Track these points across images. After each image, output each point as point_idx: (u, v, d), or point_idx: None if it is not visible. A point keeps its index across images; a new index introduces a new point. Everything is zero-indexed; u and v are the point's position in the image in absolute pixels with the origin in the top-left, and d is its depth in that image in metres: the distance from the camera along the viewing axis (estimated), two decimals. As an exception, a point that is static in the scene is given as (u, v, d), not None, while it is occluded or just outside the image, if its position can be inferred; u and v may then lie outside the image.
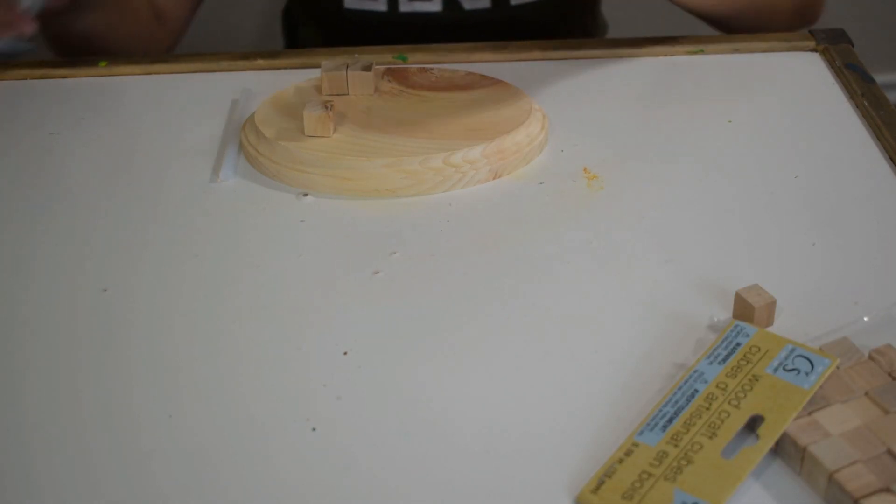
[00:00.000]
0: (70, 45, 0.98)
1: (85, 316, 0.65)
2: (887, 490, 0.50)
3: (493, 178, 0.77)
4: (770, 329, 0.62)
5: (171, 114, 0.87)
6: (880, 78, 0.90)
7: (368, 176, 0.75)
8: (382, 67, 0.86)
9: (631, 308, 0.64)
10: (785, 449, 0.54)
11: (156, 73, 0.93)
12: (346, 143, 0.77)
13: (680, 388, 0.56)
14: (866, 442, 0.53)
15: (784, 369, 0.57)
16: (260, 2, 1.71)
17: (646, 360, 0.60)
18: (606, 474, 0.52)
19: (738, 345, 0.59)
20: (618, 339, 0.62)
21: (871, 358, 0.58)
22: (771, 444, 0.53)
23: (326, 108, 0.77)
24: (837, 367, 0.57)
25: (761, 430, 0.54)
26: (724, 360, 0.58)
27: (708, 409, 0.55)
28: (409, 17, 1.04)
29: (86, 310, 0.66)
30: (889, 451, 0.52)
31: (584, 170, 0.78)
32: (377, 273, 0.68)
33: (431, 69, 0.86)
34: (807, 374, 0.56)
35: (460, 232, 0.72)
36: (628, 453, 0.53)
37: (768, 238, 0.70)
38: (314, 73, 0.86)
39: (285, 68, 0.93)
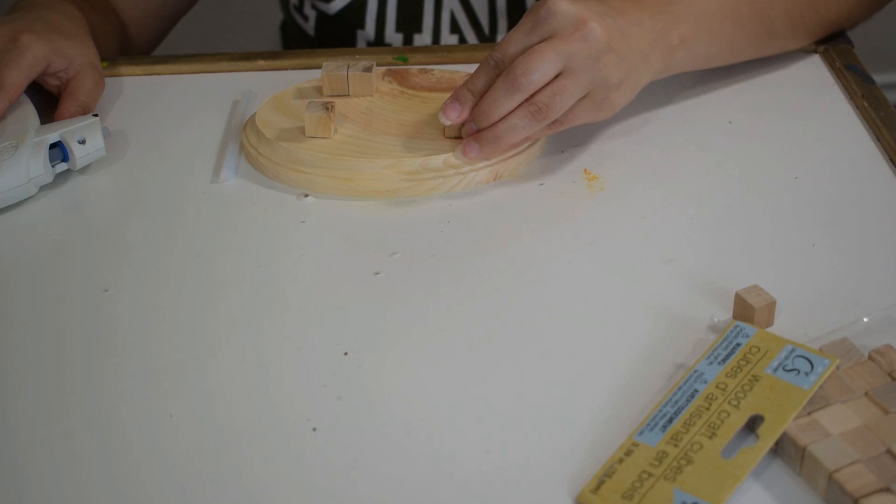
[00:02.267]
0: None
1: (85, 316, 0.65)
2: (887, 490, 0.50)
3: (494, 179, 0.77)
4: (770, 329, 0.62)
5: (172, 114, 0.87)
6: (880, 78, 0.90)
7: (369, 177, 0.75)
8: (383, 68, 0.86)
9: (631, 308, 0.64)
10: (785, 449, 0.54)
11: (156, 74, 0.93)
12: (346, 143, 0.77)
13: (680, 389, 0.56)
14: (866, 442, 0.53)
15: (784, 369, 0.57)
16: (259, 3, 1.71)
17: (646, 361, 0.60)
18: (607, 474, 0.52)
19: (738, 345, 0.59)
20: (618, 340, 0.62)
21: (870, 358, 0.58)
22: (771, 444, 0.53)
23: (327, 108, 0.77)
24: (837, 368, 0.57)
25: (761, 430, 0.54)
26: (724, 361, 0.58)
27: (708, 409, 0.55)
28: (396, 44, 1.04)
29: (86, 309, 0.66)
30: (889, 451, 0.52)
31: (585, 171, 0.78)
32: (378, 273, 0.68)
33: (432, 70, 0.86)
34: (806, 374, 0.56)
35: (461, 232, 0.72)
36: (628, 453, 0.53)
37: (768, 238, 0.70)
38: (315, 74, 0.86)
39: (286, 69, 0.93)
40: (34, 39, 0.81)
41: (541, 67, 0.71)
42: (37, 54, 0.81)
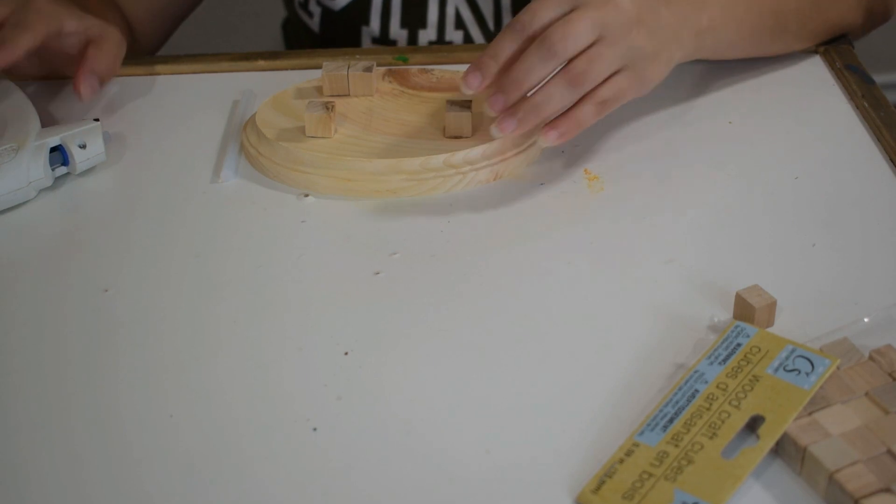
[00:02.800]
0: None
1: (86, 316, 0.65)
2: (887, 490, 0.50)
3: (494, 179, 0.77)
4: (770, 329, 0.62)
5: (172, 114, 0.87)
6: (880, 78, 0.90)
7: (369, 177, 0.75)
8: (383, 68, 0.86)
9: (631, 308, 0.64)
10: (785, 449, 0.54)
11: (156, 74, 0.93)
12: (347, 143, 0.77)
13: (680, 389, 0.56)
14: (866, 442, 0.53)
15: (784, 370, 0.57)
16: (260, 3, 1.71)
17: (646, 361, 0.60)
18: (607, 474, 0.52)
19: (739, 345, 0.59)
20: (618, 340, 0.62)
21: (871, 358, 0.58)
22: (771, 444, 0.53)
23: (328, 108, 0.77)
24: (838, 368, 0.57)
25: (762, 430, 0.54)
26: (724, 361, 0.58)
27: (708, 409, 0.55)
28: (401, 40, 1.04)
29: (86, 310, 0.66)
30: (889, 451, 0.52)
31: (585, 171, 0.78)
32: (378, 273, 0.68)
33: (432, 70, 0.86)
34: (807, 374, 0.56)
35: (461, 232, 0.72)
36: (629, 453, 0.53)
37: (768, 238, 0.70)
38: (315, 74, 0.86)
39: (286, 69, 0.93)
40: (48, 2, 0.82)
41: (578, 35, 0.70)
42: (51, 13, 0.81)
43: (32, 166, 0.75)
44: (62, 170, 0.78)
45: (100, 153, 0.79)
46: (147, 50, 1.04)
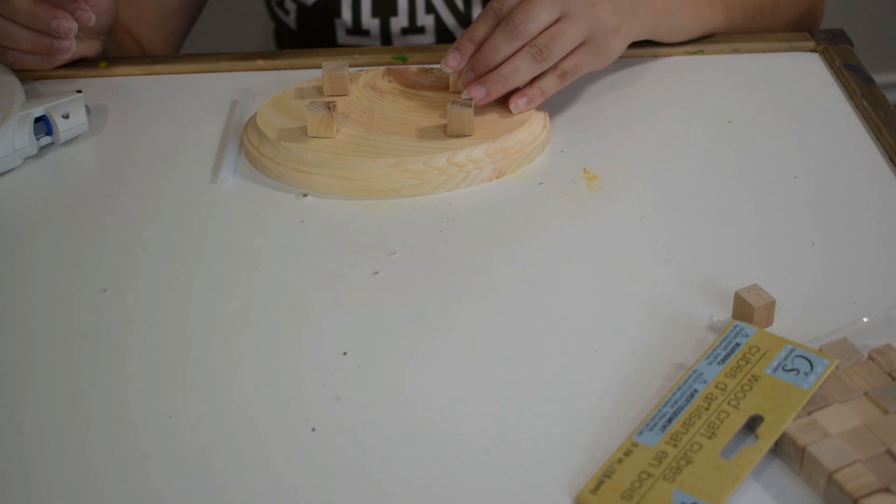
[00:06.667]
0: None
1: (84, 316, 0.65)
2: (887, 490, 0.50)
3: (497, 177, 0.77)
4: (769, 329, 0.62)
5: (171, 114, 0.87)
6: (880, 78, 0.90)
7: (373, 176, 0.75)
8: (383, 68, 0.86)
9: (631, 308, 0.64)
10: (784, 449, 0.54)
11: (156, 73, 0.93)
12: (349, 143, 0.77)
13: (679, 389, 0.56)
14: (866, 442, 0.53)
15: (783, 369, 0.57)
16: (259, 3, 1.71)
17: (645, 361, 0.60)
18: (606, 474, 0.52)
19: (738, 345, 0.59)
20: (617, 340, 0.62)
21: (870, 358, 0.58)
22: (770, 444, 0.53)
23: (329, 108, 0.77)
24: (837, 368, 0.57)
25: (761, 430, 0.54)
26: (723, 361, 0.58)
27: (707, 409, 0.55)
28: (373, 29, 1.05)
29: (85, 310, 0.66)
30: (888, 451, 0.52)
31: (584, 170, 0.78)
32: (377, 273, 0.68)
33: (431, 69, 0.86)
34: (806, 374, 0.56)
35: (460, 232, 0.72)
36: (628, 453, 0.53)
37: (768, 238, 0.70)
38: (314, 74, 0.86)
39: (285, 69, 0.93)
40: None
41: (539, 16, 0.76)
42: None
43: (17, 135, 0.78)
44: (46, 139, 0.81)
45: (82, 123, 0.82)
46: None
